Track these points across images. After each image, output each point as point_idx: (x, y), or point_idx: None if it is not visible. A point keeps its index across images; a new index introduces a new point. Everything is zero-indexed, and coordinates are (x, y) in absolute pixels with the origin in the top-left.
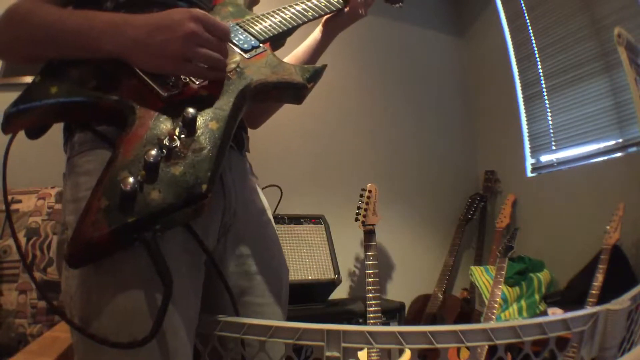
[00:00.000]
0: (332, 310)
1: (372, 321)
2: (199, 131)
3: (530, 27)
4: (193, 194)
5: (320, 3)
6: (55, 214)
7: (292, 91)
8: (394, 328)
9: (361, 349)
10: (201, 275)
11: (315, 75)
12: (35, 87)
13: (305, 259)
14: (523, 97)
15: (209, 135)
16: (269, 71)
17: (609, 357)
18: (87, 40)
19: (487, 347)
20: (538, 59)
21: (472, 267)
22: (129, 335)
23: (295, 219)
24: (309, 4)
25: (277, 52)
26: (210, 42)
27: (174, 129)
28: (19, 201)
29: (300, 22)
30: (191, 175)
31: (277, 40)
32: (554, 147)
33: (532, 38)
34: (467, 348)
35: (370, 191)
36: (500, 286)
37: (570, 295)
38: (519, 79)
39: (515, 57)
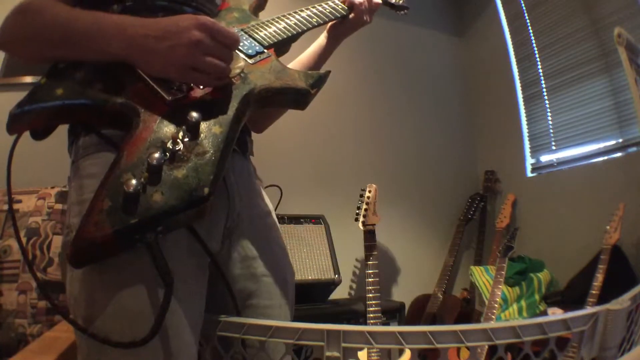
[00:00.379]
0: (332, 310)
1: (372, 321)
2: (202, 135)
3: (530, 27)
4: (195, 196)
5: (325, 10)
6: (55, 214)
7: (295, 97)
8: (394, 328)
9: (361, 349)
10: (205, 276)
11: (319, 81)
12: (41, 88)
13: (305, 259)
14: (523, 97)
15: (212, 140)
16: (272, 77)
17: (609, 357)
18: (95, 43)
19: (487, 347)
20: (538, 59)
21: (472, 267)
22: (132, 335)
23: (295, 219)
24: (314, 10)
25: (282, 58)
26: (216, 50)
27: (178, 133)
28: (19, 201)
29: (305, 28)
30: (194, 179)
31: (282, 46)
32: (554, 147)
33: (532, 38)
34: (467, 348)
35: (370, 191)
36: (500, 286)
37: (570, 295)
38: (519, 79)
39: (515, 57)
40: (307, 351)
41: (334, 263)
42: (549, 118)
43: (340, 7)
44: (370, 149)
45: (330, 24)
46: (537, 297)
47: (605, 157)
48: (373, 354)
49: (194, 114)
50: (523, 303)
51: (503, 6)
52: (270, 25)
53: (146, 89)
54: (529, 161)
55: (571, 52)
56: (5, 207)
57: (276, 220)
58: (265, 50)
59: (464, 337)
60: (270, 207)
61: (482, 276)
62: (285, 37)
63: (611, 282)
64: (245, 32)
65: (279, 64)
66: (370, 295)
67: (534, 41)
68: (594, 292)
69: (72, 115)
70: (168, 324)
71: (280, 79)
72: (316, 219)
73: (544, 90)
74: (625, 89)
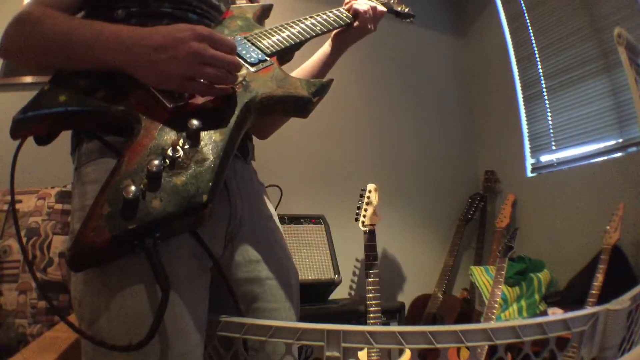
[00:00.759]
0: (332, 310)
1: (372, 321)
2: (202, 142)
3: (530, 27)
4: (194, 203)
5: (329, 18)
6: (55, 214)
7: (297, 105)
8: (394, 328)
9: (361, 349)
10: (208, 279)
11: (321, 90)
12: (44, 94)
13: (305, 259)
14: (523, 97)
15: (212, 147)
16: (274, 85)
17: (609, 357)
18: (94, 54)
19: (487, 347)
20: (538, 59)
21: (472, 267)
22: (132, 338)
23: (295, 219)
24: (318, 18)
25: (285, 66)
26: (215, 59)
27: (178, 140)
28: (19, 201)
29: (309, 36)
30: (193, 186)
31: (285, 54)
32: (554, 147)
33: (532, 38)
34: (467, 348)
35: (370, 191)
36: (500, 286)
37: (570, 295)
38: (519, 79)
39: (515, 57)
40: (307, 351)
41: (334, 263)
42: (549, 118)
43: (344, 15)
44: (370, 149)
45: (334, 32)
46: (537, 297)
47: (605, 157)
48: (373, 354)
49: (195, 122)
50: (523, 303)
51: (503, 6)
52: (273, 33)
53: (148, 96)
54: (529, 161)
55: (571, 52)
56: (6, 207)
57: (278, 224)
58: (268, 59)
59: (464, 337)
60: (272, 211)
61: (482, 276)
62: (288, 45)
63: (611, 282)
64: (249, 40)
65: (281, 72)
66: (370, 295)
67: (534, 41)
68: (594, 292)
69: (75, 121)
70: (173, 328)
71: (282, 87)
72: (316, 219)
73: (544, 90)
74: (625, 89)
